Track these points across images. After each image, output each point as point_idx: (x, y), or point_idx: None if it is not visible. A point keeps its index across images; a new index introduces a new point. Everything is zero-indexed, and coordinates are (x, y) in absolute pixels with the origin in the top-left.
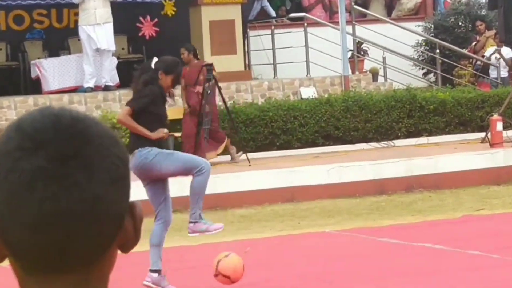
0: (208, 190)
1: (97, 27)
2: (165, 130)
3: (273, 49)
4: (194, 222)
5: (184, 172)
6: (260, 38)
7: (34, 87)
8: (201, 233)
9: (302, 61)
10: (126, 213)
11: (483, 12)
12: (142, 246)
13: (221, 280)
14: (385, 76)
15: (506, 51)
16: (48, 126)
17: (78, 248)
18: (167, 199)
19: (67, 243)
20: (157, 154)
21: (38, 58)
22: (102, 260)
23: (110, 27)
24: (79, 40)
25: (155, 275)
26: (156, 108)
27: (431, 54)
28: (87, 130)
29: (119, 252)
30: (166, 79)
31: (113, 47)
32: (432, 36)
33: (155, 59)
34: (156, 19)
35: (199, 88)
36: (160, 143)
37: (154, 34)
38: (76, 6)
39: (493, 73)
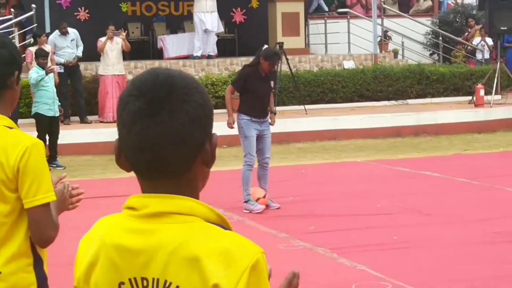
0: (278, 130)
1: (207, 14)
2: (231, 122)
3: (325, 33)
4: (245, 202)
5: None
6: (316, 26)
7: (159, 54)
8: (250, 211)
9: (345, 42)
10: (206, 141)
11: (474, 12)
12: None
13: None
14: (403, 55)
15: (489, 40)
16: (149, 80)
17: (165, 165)
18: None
19: (157, 160)
20: (240, 127)
21: (162, 35)
22: (190, 172)
23: (215, 14)
24: (191, 23)
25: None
26: (251, 85)
27: (436, 40)
28: (176, 83)
29: None
30: (264, 63)
31: (216, 29)
32: (437, 27)
33: (264, 47)
34: (244, 10)
35: None
36: (256, 115)
37: (243, 21)
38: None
39: (479, 55)
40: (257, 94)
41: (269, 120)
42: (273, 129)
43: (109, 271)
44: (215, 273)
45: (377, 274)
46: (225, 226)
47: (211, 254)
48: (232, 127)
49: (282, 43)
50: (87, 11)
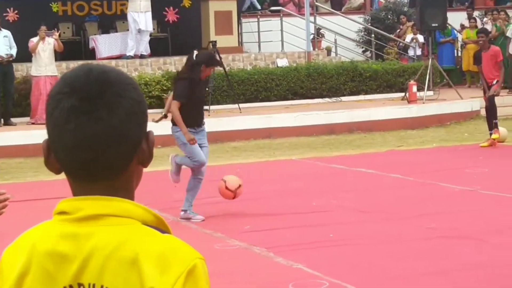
0: (212, 129)
1: (141, 14)
2: (192, 137)
3: (258, 31)
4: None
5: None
6: (249, 24)
7: (91, 55)
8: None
9: (278, 40)
10: (143, 138)
11: (405, 9)
12: None
13: (225, 193)
14: (336, 52)
15: (420, 37)
16: (81, 76)
17: (103, 164)
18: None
19: (94, 160)
20: (177, 138)
21: (94, 35)
22: (126, 172)
23: (149, 14)
24: (123, 22)
25: (182, 212)
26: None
27: (368, 37)
28: (110, 78)
29: None
30: (207, 70)
31: (151, 29)
32: (369, 25)
33: (195, 52)
34: (177, 9)
35: None
36: (192, 124)
37: (175, 20)
38: None
39: (411, 52)
40: (195, 101)
41: (205, 129)
42: (207, 128)
43: (43, 281)
44: (151, 276)
45: (314, 272)
46: (163, 228)
47: (148, 258)
48: (195, 143)
49: (215, 41)
50: (16, 11)
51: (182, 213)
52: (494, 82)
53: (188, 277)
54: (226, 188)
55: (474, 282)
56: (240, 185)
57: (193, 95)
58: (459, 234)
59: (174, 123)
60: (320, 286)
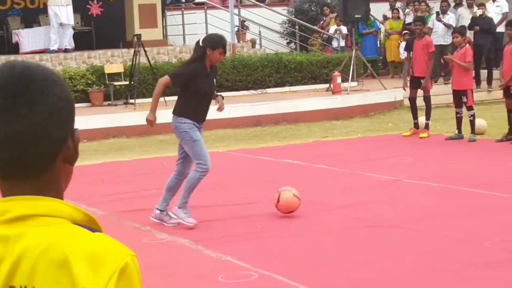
0: (137, 122)
1: (62, 7)
2: (152, 119)
3: (183, 24)
4: (178, 207)
5: (192, 157)
6: (174, 17)
7: (15, 49)
8: (179, 218)
9: (203, 33)
10: (68, 136)
11: (329, 0)
12: None
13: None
14: (260, 44)
15: (343, 29)
16: (5, 73)
17: (27, 162)
18: (186, 157)
19: (17, 159)
20: (185, 131)
21: (17, 29)
22: (52, 171)
23: (70, 8)
24: (46, 16)
25: (158, 212)
26: (196, 85)
27: (292, 29)
28: (34, 75)
29: None
30: (214, 53)
31: (72, 22)
32: (293, 16)
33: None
34: (101, 2)
35: None
36: (198, 119)
37: (99, 13)
38: None
39: (335, 43)
40: (202, 95)
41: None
42: (133, 121)
43: None
44: (82, 277)
45: (243, 264)
46: (93, 227)
47: (79, 258)
48: (152, 126)
49: (140, 35)
50: None
51: (157, 212)
52: (423, 81)
53: (120, 276)
54: (276, 206)
55: (403, 270)
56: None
57: (200, 88)
58: (386, 223)
59: (177, 113)
60: (250, 278)
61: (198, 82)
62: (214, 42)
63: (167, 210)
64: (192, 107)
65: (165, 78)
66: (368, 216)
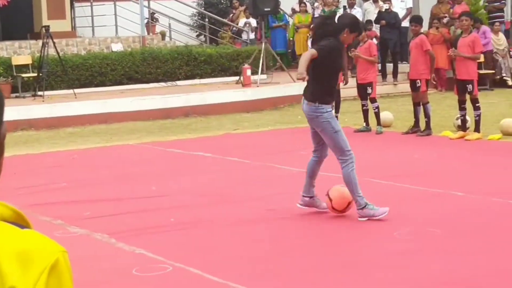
0: (46, 115)
1: None
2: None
3: (92, 16)
4: (361, 208)
5: (332, 149)
6: (82, 9)
7: None
8: (369, 217)
9: (112, 25)
10: None
11: None
12: None
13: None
14: (170, 37)
15: (253, 21)
16: None
17: None
18: (323, 145)
19: None
20: (327, 121)
21: None
22: None
23: None
24: None
25: (307, 199)
26: (333, 62)
27: (202, 22)
28: None
29: None
30: (349, 37)
31: None
32: (203, 9)
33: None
34: None
35: None
36: (331, 100)
37: (6, 4)
38: None
39: (244, 36)
40: (336, 74)
41: None
42: (41, 114)
43: None
44: (11, 275)
45: (157, 257)
46: (22, 223)
47: (7, 256)
48: (304, 80)
49: (48, 26)
50: None
51: (306, 199)
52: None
53: (51, 273)
54: (333, 208)
55: (318, 260)
56: (349, 203)
57: (335, 66)
58: (298, 215)
59: (317, 100)
60: (164, 271)
61: (334, 60)
62: (355, 25)
63: (368, 203)
64: (329, 89)
65: (312, 52)
66: (281, 208)
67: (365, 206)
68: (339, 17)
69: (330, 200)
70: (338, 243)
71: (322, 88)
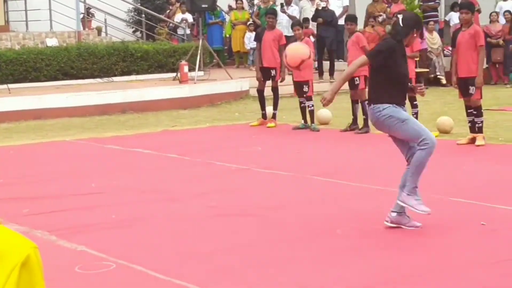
0: None
1: None
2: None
3: (26, 10)
4: (407, 194)
5: (410, 140)
6: (16, 2)
7: None
8: (408, 206)
9: (47, 19)
10: None
11: None
12: None
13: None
14: (106, 32)
15: (189, 17)
16: None
17: None
18: (410, 149)
19: None
20: (388, 116)
21: None
22: None
23: None
24: None
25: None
26: (394, 63)
27: (139, 18)
28: None
29: None
30: (413, 37)
31: None
32: (139, 5)
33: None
34: None
35: None
36: (398, 100)
37: None
38: None
39: (181, 32)
40: (402, 76)
41: None
42: None
43: None
44: None
45: (99, 254)
46: None
47: None
48: (326, 106)
49: None
50: None
51: (393, 214)
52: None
53: (22, 269)
54: (287, 64)
55: (262, 257)
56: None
57: (398, 67)
58: (240, 211)
59: (375, 101)
60: (108, 268)
61: (395, 61)
62: (419, 23)
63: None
64: (391, 92)
65: (363, 59)
66: (222, 205)
67: (412, 196)
68: (403, 18)
69: (285, 56)
70: (281, 240)
71: (382, 90)
